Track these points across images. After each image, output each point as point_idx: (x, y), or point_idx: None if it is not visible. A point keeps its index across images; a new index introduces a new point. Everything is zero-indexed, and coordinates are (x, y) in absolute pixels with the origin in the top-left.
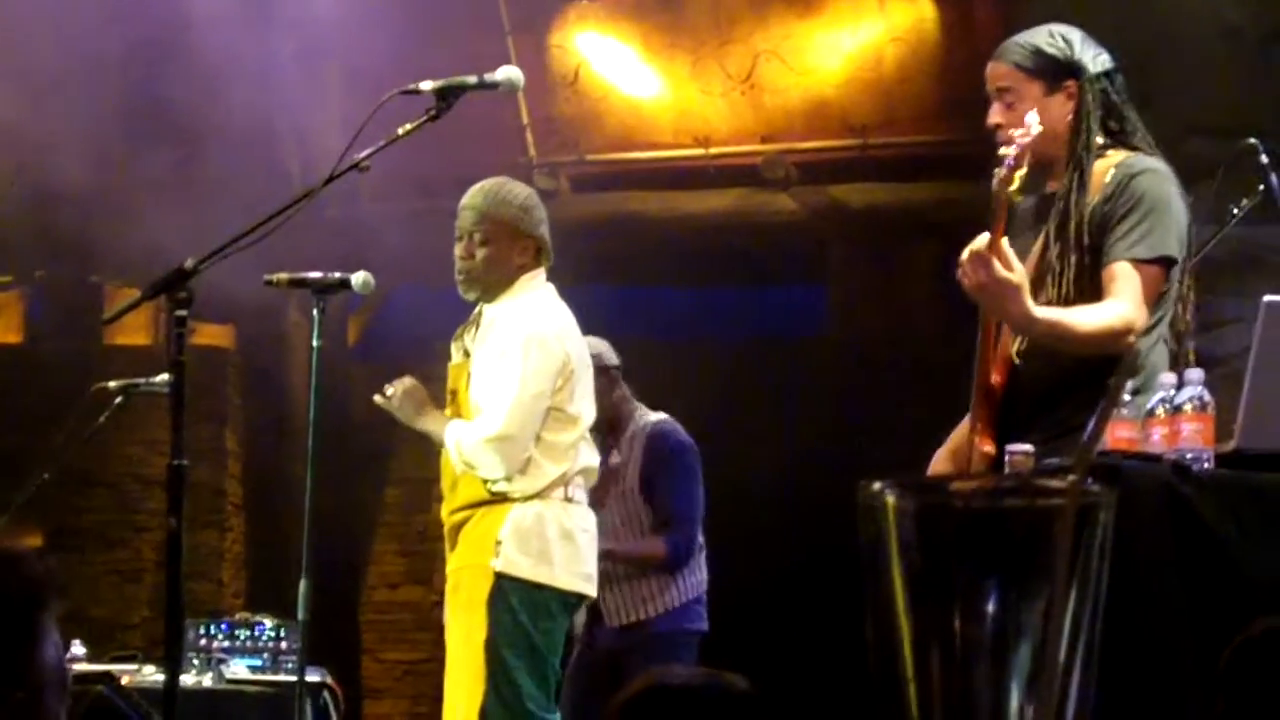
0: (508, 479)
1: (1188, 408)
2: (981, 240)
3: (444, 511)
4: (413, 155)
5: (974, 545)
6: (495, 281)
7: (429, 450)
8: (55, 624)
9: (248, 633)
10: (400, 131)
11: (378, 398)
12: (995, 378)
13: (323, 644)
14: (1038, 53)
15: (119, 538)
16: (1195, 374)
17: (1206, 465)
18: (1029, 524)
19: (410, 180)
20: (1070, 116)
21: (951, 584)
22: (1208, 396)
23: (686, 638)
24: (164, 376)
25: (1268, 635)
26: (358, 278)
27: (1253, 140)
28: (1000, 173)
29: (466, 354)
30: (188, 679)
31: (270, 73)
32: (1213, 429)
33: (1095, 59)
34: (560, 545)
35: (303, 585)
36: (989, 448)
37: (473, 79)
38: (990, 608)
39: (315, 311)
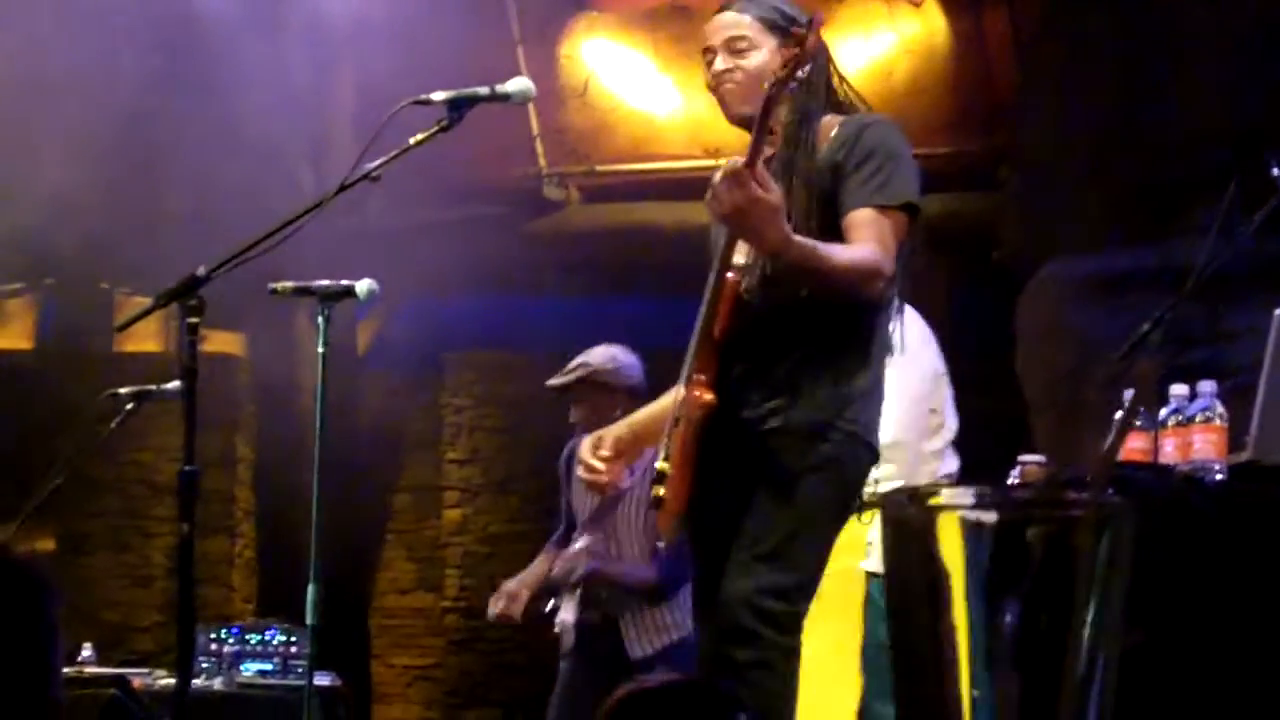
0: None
1: (1200, 419)
2: (734, 162)
3: None
4: (422, 165)
5: (994, 556)
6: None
7: (439, 459)
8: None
9: (258, 637)
10: (412, 142)
11: None
12: (719, 326)
13: (332, 649)
14: (778, 9)
15: (129, 543)
16: (1207, 385)
17: (1219, 477)
18: (1048, 535)
19: (420, 190)
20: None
21: (973, 595)
22: (1220, 408)
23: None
24: (176, 383)
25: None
26: (362, 285)
27: (1264, 153)
28: (771, 88)
29: None
30: (198, 683)
31: (282, 82)
32: (1225, 440)
33: (814, 19)
34: None
35: (312, 590)
36: (709, 397)
37: (485, 90)
38: (1010, 619)
39: (320, 319)
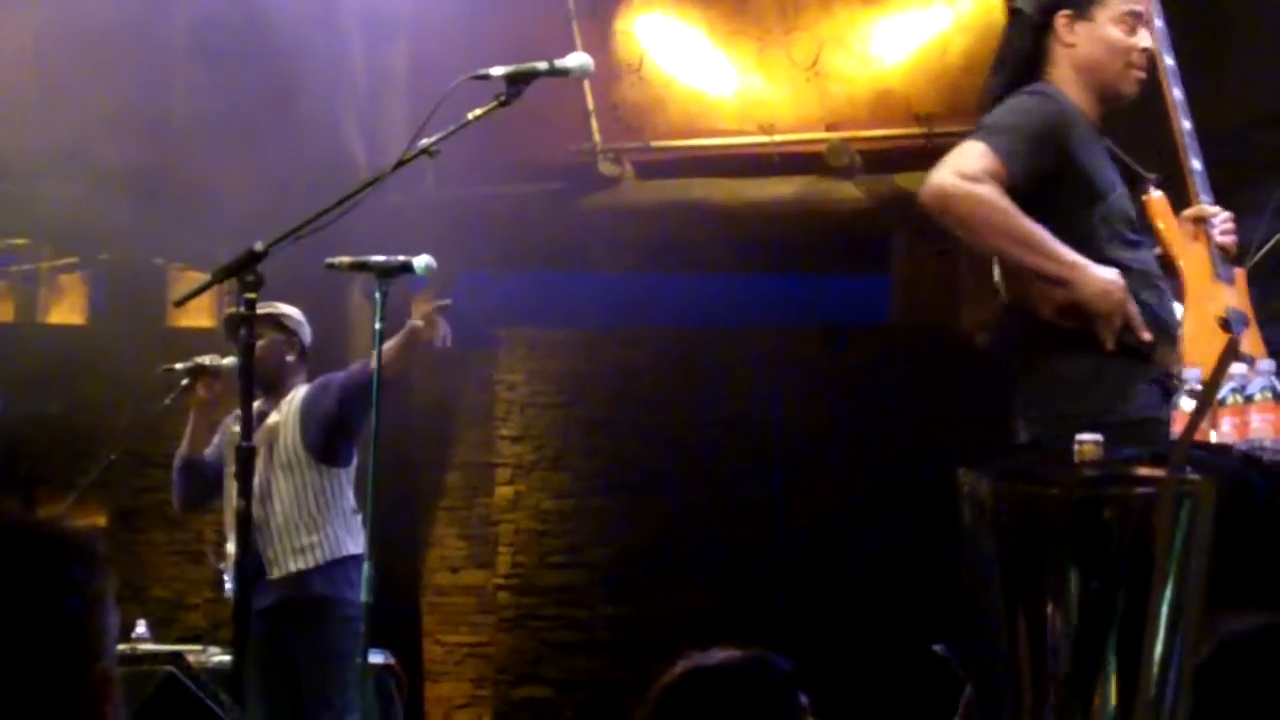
0: None
1: (1259, 398)
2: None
3: None
4: (477, 141)
5: (1071, 532)
6: None
7: (491, 435)
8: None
9: None
10: (470, 116)
11: None
12: None
13: (384, 626)
14: None
15: (181, 518)
16: (1267, 364)
17: (1278, 456)
18: (1126, 513)
19: (475, 165)
20: None
21: (1047, 570)
22: (1278, 386)
23: (343, 608)
24: (230, 359)
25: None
26: (419, 261)
27: None
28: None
29: None
30: None
31: (336, 57)
32: None
33: None
34: None
35: (365, 567)
36: None
37: (544, 65)
38: (1086, 594)
39: (377, 295)
